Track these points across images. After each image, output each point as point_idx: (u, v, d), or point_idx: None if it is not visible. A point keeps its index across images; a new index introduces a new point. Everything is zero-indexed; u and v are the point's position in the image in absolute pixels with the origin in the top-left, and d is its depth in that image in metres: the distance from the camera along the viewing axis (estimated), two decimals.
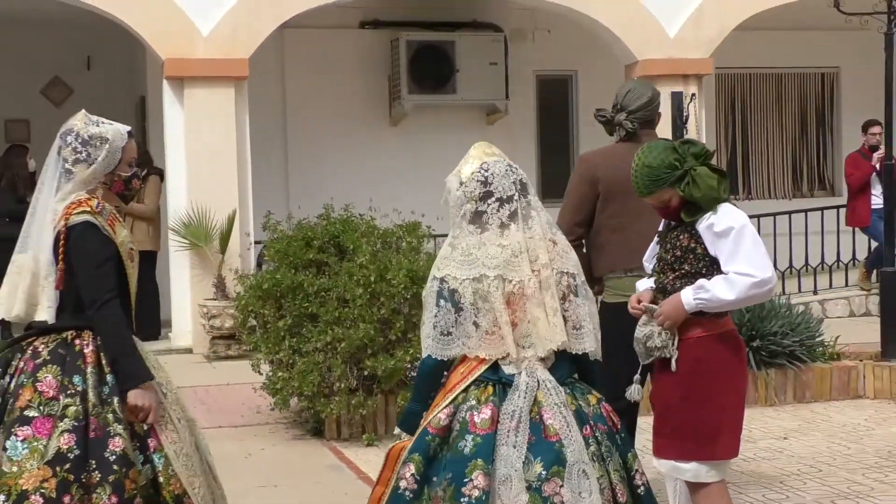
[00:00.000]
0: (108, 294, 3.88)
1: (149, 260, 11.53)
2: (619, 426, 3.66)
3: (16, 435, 3.73)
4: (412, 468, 3.47)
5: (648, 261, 4.56)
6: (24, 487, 3.66)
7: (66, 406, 3.77)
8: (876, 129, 12.86)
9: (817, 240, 13.03)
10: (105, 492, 3.72)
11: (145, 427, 3.85)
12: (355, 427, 7.52)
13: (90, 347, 3.88)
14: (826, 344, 8.83)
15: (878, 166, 12.23)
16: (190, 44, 11.21)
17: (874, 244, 12.65)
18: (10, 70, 14.18)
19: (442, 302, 3.57)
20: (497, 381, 3.55)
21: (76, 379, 3.82)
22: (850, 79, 15.22)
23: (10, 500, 3.65)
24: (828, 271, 13.07)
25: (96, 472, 3.74)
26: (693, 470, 4.24)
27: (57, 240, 3.89)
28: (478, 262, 3.57)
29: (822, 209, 13.28)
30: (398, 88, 13.37)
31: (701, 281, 4.21)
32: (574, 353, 3.64)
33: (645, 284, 4.49)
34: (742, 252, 4.17)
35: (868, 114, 13.00)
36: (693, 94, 12.44)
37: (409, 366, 7.16)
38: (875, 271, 12.36)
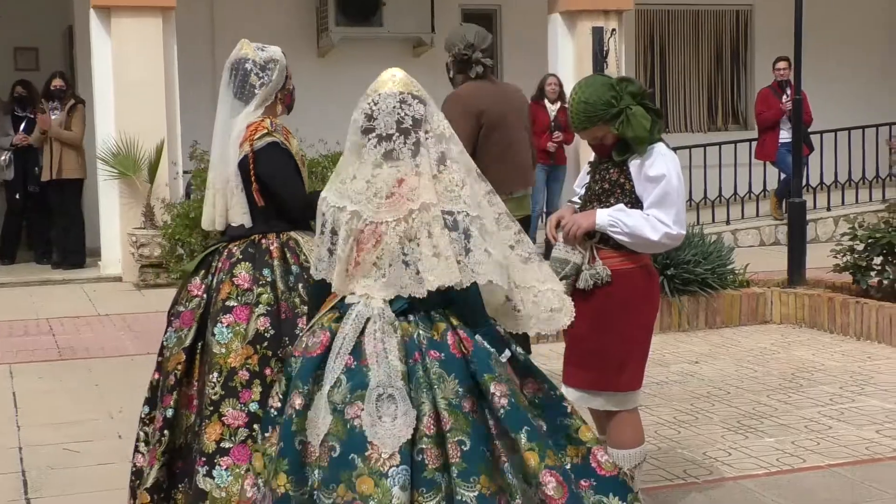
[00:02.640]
0: (305, 198, 4.31)
1: (77, 187, 11.31)
2: (468, 351, 3.40)
3: (220, 322, 4.15)
4: (278, 388, 3.53)
5: (578, 186, 4.51)
6: (232, 365, 4.10)
7: (259, 294, 4.17)
8: (781, 65, 12.94)
9: (730, 172, 13.14)
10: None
11: None
12: None
13: (275, 245, 4.28)
14: (736, 272, 8.91)
15: (787, 106, 12.31)
16: None
17: (783, 176, 12.78)
18: None
19: (317, 222, 3.58)
20: (340, 310, 3.50)
21: (265, 271, 4.22)
22: (764, 16, 15.29)
23: (222, 376, 4.09)
24: (740, 202, 13.19)
25: (290, 346, 4.08)
26: (600, 400, 4.22)
27: (245, 161, 4.23)
28: (346, 193, 3.49)
29: (735, 142, 13.39)
30: (326, 20, 13.15)
31: (621, 205, 4.15)
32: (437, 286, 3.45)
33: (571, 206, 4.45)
34: (668, 201, 4.10)
35: (780, 50, 13.06)
36: (613, 30, 12.45)
37: None
38: (784, 201, 12.52)
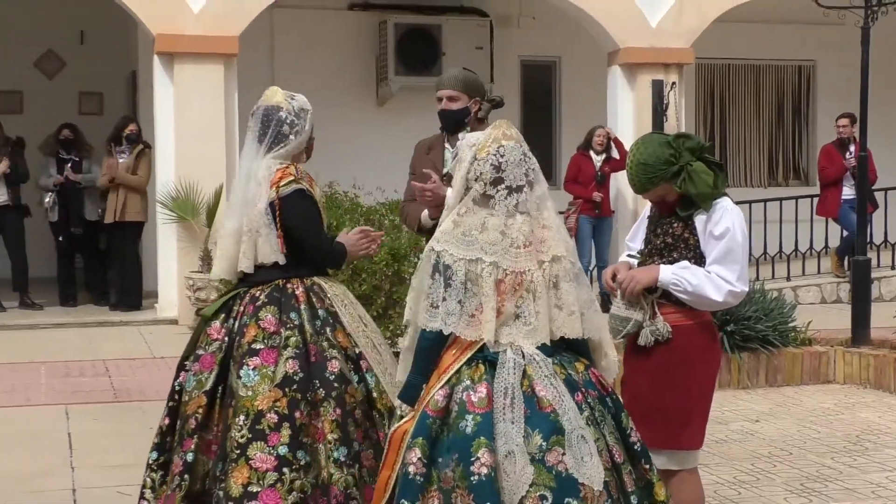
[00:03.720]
0: (329, 245, 4.43)
1: (136, 230, 11.41)
2: (609, 389, 3.57)
3: (247, 365, 4.12)
4: (418, 452, 3.38)
5: (632, 240, 4.43)
6: (259, 408, 4.06)
7: (288, 337, 4.17)
8: (842, 122, 12.80)
9: (791, 228, 12.97)
10: (330, 405, 4.14)
11: (357, 351, 4.28)
12: None
13: (300, 289, 4.29)
14: (798, 329, 8.74)
15: (851, 163, 12.17)
16: (181, 20, 11.03)
17: (845, 233, 12.59)
18: (4, 42, 14.01)
19: (437, 275, 3.50)
20: (485, 359, 3.47)
21: (292, 315, 4.22)
22: (826, 72, 15.16)
23: (249, 419, 4.04)
24: (801, 259, 13.01)
25: (321, 389, 4.14)
26: (662, 459, 4.11)
27: (273, 208, 4.25)
28: (476, 244, 3.48)
29: (796, 198, 13.22)
30: (385, 70, 13.23)
31: (685, 262, 4.07)
32: (566, 337, 3.54)
33: (627, 262, 4.36)
34: (732, 258, 4.03)
35: (843, 106, 12.92)
36: (673, 83, 12.40)
37: (390, 341, 7.02)
38: (846, 259, 12.32)
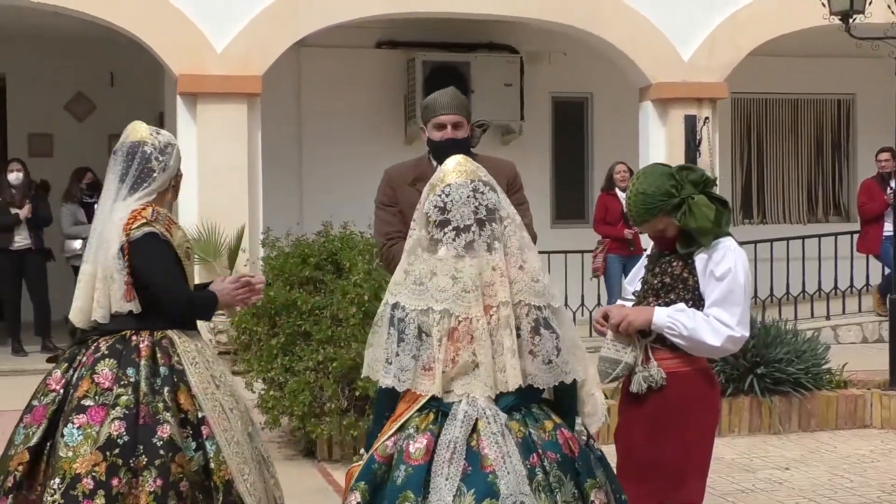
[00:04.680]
0: (186, 295, 4.10)
1: None
2: (576, 452, 3.30)
3: (72, 422, 3.87)
4: (358, 496, 3.23)
5: (631, 283, 4.17)
6: (77, 471, 3.79)
7: (119, 395, 3.90)
8: (883, 157, 12.47)
9: (831, 265, 12.59)
10: (151, 475, 3.84)
11: (199, 416, 3.96)
12: (347, 448, 7.13)
13: (146, 343, 4.01)
14: (832, 371, 8.39)
15: (892, 198, 11.81)
16: (204, 60, 10.96)
17: (887, 271, 12.19)
18: (35, 85, 14.08)
19: (391, 329, 3.31)
20: (437, 408, 3.27)
21: (129, 371, 3.95)
22: (866, 105, 14.83)
23: (65, 483, 3.79)
24: (841, 297, 12.62)
25: (143, 456, 3.84)
26: None
27: (123, 253, 4.02)
28: (427, 293, 3.27)
29: (835, 234, 12.86)
30: (413, 107, 13.04)
31: (681, 305, 3.81)
32: (542, 388, 3.32)
33: (622, 304, 4.11)
34: (732, 300, 3.79)
35: (883, 140, 12.57)
36: (706, 118, 12.15)
37: None
38: (888, 297, 11.92)
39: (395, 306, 3.28)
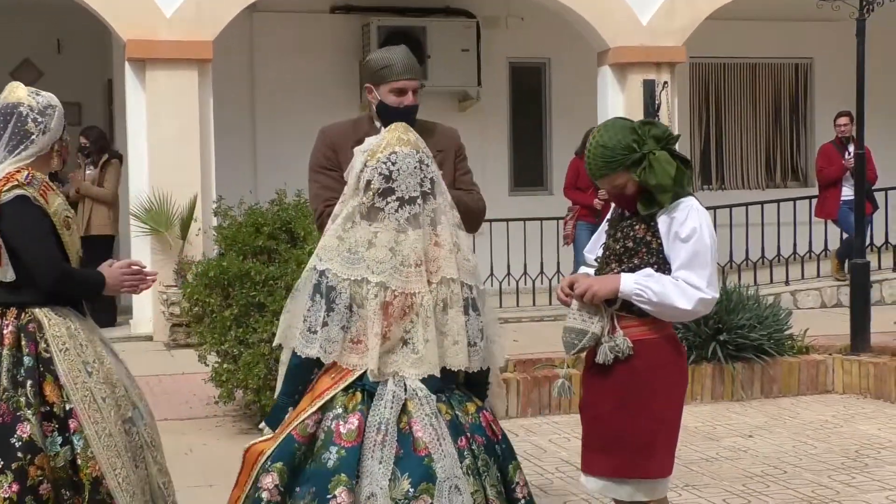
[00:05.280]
0: (58, 264, 3.77)
1: (107, 245, 10.98)
2: (499, 436, 3.22)
3: None
4: (276, 478, 3.05)
5: (591, 251, 4.01)
6: None
7: None
8: (842, 121, 12.39)
9: (789, 230, 12.55)
10: (6, 479, 3.57)
11: (66, 408, 3.68)
12: None
13: (9, 328, 3.71)
14: (794, 337, 8.31)
15: (850, 163, 11.74)
16: (153, 25, 10.65)
17: (845, 235, 12.15)
18: None
19: (317, 297, 3.13)
20: (363, 388, 3.11)
21: None
22: (824, 69, 14.74)
23: None
24: (800, 262, 12.57)
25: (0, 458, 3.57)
26: (627, 489, 3.69)
27: None
28: (363, 262, 3.11)
29: (794, 200, 12.81)
30: None
31: (648, 270, 3.65)
32: (449, 368, 3.17)
33: (585, 272, 3.95)
34: (700, 261, 3.63)
35: (842, 104, 12.49)
36: (665, 83, 11.98)
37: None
38: (846, 262, 11.89)
39: (323, 273, 3.12)
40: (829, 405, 7.75)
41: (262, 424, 3.29)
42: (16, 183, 3.74)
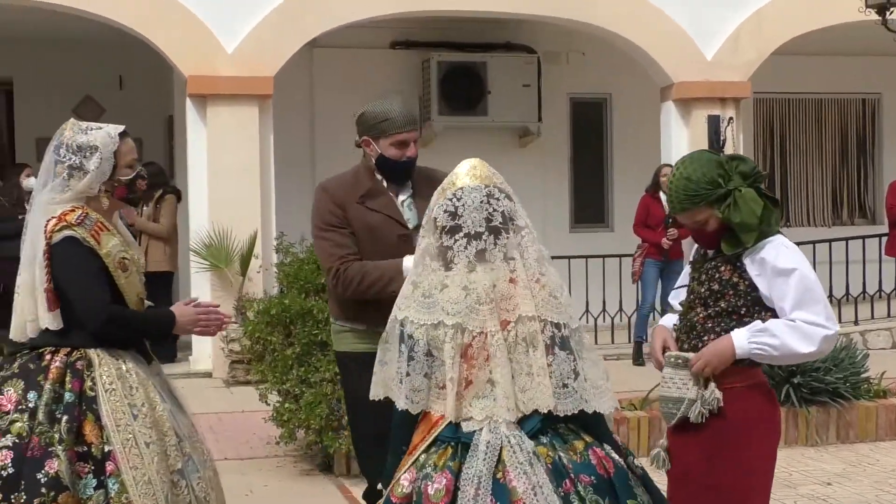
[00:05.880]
0: (104, 307, 3.66)
1: (165, 281, 10.94)
2: (612, 472, 3.00)
3: None
4: None
5: (675, 298, 3.82)
6: None
7: (13, 422, 3.54)
8: None
9: (858, 268, 12.22)
10: None
11: (105, 449, 3.55)
12: None
13: (56, 363, 3.63)
14: (871, 380, 8.01)
15: None
16: (214, 62, 10.63)
17: None
18: (43, 89, 13.77)
19: (402, 347, 3.01)
20: (456, 440, 2.95)
21: (31, 395, 3.58)
22: (893, 104, 14.43)
23: None
24: (869, 301, 12.24)
25: (23, 492, 3.44)
26: None
27: (45, 259, 3.66)
28: (437, 305, 2.97)
29: (862, 237, 12.48)
30: (428, 109, 12.75)
31: (757, 323, 3.45)
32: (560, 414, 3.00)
33: (669, 321, 3.76)
34: (812, 297, 3.43)
35: None
36: (730, 118, 11.79)
37: None
38: None
39: (402, 322, 3.00)
40: None
41: (379, 486, 3.20)
42: (66, 224, 3.67)
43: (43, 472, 3.46)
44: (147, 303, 3.94)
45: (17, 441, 3.49)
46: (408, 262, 3.98)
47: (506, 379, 2.93)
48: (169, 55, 10.70)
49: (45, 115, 13.81)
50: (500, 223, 3.03)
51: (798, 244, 11.55)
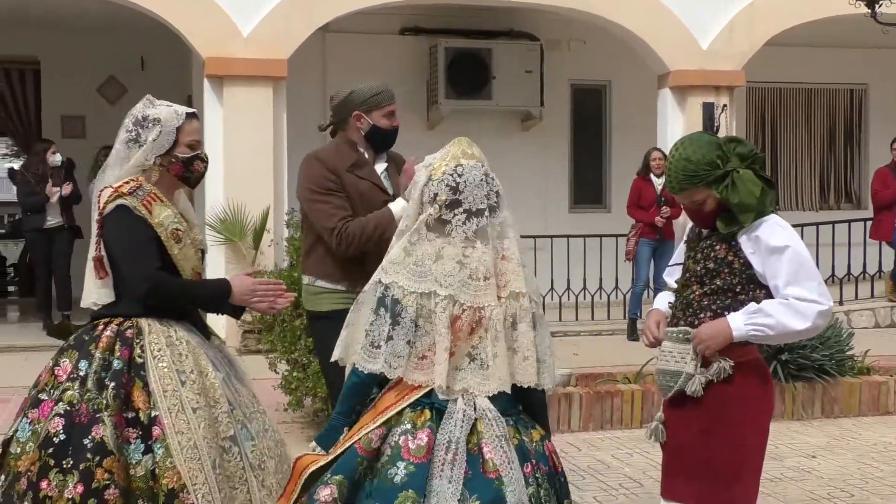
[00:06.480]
0: (152, 274, 3.49)
1: None
2: (560, 467, 2.95)
3: (27, 417, 3.44)
4: (334, 490, 2.79)
5: (670, 275, 3.69)
6: (18, 469, 3.35)
7: (65, 390, 3.42)
8: None
9: (843, 251, 12.07)
10: (73, 479, 3.32)
11: (152, 415, 3.41)
12: None
13: (107, 332, 3.49)
14: (855, 358, 7.89)
15: None
16: (231, 44, 10.48)
17: None
18: (69, 69, 13.68)
19: (382, 311, 2.86)
20: (431, 405, 2.84)
21: (82, 364, 3.45)
22: (879, 95, 14.28)
23: (6, 481, 3.37)
24: (853, 283, 12.10)
25: (70, 458, 3.34)
26: None
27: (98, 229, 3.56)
28: (430, 275, 2.86)
29: (848, 221, 12.35)
30: (436, 93, 12.60)
31: (751, 305, 3.33)
32: (519, 385, 2.91)
33: (664, 299, 3.63)
34: (805, 273, 3.30)
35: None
36: (724, 105, 11.63)
37: None
38: None
39: (388, 286, 2.87)
40: (891, 427, 7.32)
41: (313, 443, 3.01)
42: (118, 194, 3.55)
43: (89, 437, 3.34)
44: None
45: (68, 409, 3.38)
46: (394, 206, 4.23)
47: (503, 352, 2.85)
48: (188, 37, 10.55)
49: (71, 94, 13.74)
50: (495, 202, 2.95)
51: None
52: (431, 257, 2.87)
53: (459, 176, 2.92)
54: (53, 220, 11.03)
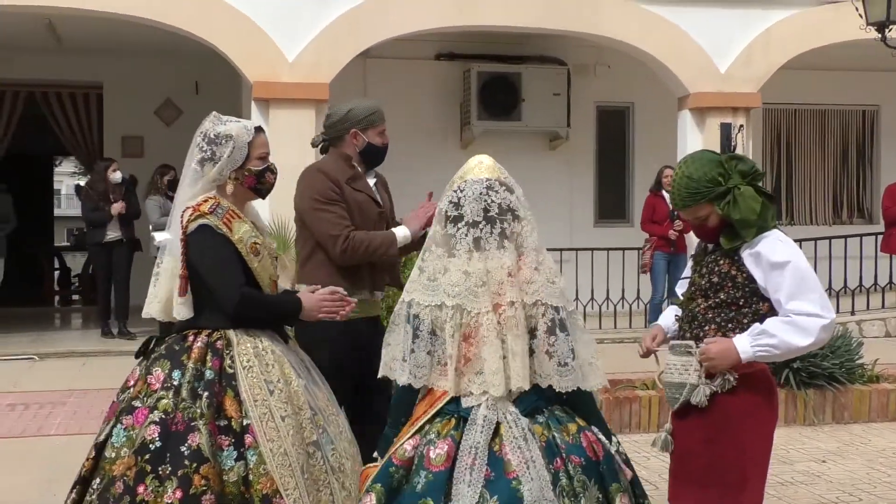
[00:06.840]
0: (238, 290, 3.46)
1: None
2: (600, 455, 2.83)
3: (121, 423, 3.38)
4: (373, 499, 2.79)
5: (682, 288, 3.60)
6: (114, 473, 3.30)
7: (160, 398, 3.38)
8: None
9: (855, 264, 11.88)
10: (171, 485, 3.26)
11: (244, 423, 3.35)
12: None
13: (199, 344, 3.45)
14: (865, 366, 7.72)
15: None
16: (276, 69, 10.48)
17: None
18: (129, 93, 13.76)
19: (406, 326, 2.88)
20: (458, 413, 2.81)
21: (175, 373, 3.41)
22: (890, 116, 14.07)
23: (102, 484, 3.32)
24: (865, 294, 11.89)
25: (168, 464, 3.29)
26: None
27: (182, 247, 3.52)
28: (439, 288, 2.84)
29: (860, 235, 12.14)
30: (469, 115, 12.55)
31: (756, 326, 3.23)
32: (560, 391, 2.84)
33: (671, 313, 3.55)
34: (807, 289, 3.20)
35: None
36: (741, 126, 11.48)
37: None
38: None
39: (409, 304, 2.87)
40: None
41: (375, 454, 3.02)
42: (199, 213, 3.50)
43: (186, 445, 3.28)
44: (280, 286, 3.77)
45: (163, 417, 3.33)
46: (398, 232, 4.29)
47: (492, 357, 2.80)
48: (237, 63, 10.58)
49: (130, 116, 13.83)
50: (496, 213, 2.89)
51: (801, 241, 11.16)
52: (441, 271, 2.87)
53: (461, 191, 2.91)
54: (113, 234, 11.07)
